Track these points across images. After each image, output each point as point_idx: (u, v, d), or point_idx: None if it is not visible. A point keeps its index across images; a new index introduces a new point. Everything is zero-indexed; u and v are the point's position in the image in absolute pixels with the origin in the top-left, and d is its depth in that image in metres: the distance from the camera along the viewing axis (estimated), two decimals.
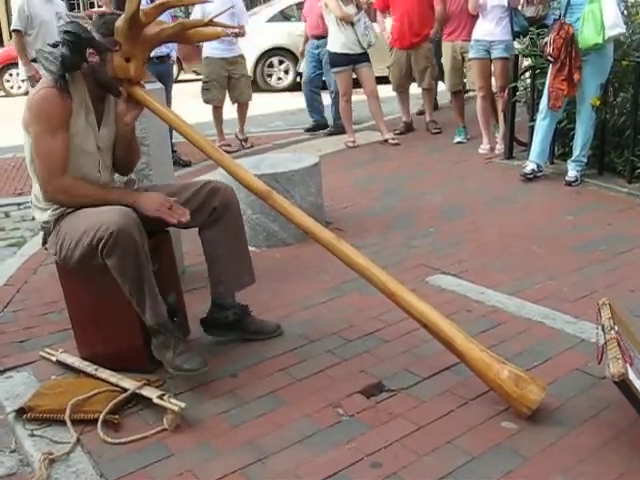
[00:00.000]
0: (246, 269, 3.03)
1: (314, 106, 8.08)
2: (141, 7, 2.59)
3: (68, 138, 2.66)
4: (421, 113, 8.07)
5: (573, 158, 5.24)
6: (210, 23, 2.84)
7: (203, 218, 2.88)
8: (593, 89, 5.03)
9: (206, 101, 7.16)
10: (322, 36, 7.52)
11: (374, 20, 7.41)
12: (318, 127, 8.00)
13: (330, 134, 7.75)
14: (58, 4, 6.38)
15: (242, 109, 7.37)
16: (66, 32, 2.63)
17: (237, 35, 6.83)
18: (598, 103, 5.02)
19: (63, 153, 2.64)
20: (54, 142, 2.62)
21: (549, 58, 5.03)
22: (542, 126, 5.28)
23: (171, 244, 3.06)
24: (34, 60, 5.74)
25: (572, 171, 5.22)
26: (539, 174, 5.37)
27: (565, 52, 4.90)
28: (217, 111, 7.20)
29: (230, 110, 7.48)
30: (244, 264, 3.01)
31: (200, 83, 7.32)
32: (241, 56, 7.15)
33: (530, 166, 5.36)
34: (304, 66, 8.26)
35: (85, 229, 2.57)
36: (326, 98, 8.07)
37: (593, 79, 5.00)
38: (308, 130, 8.03)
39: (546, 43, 5.00)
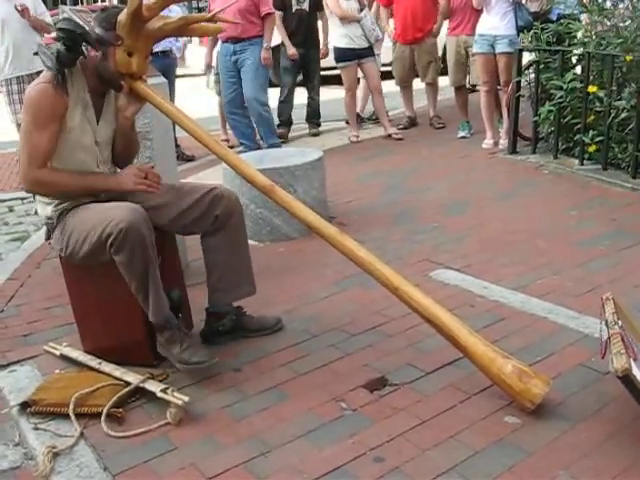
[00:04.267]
0: (246, 278, 3.00)
1: (242, 131, 6.57)
2: (144, 1, 2.59)
3: (58, 134, 2.66)
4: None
5: None
6: (213, 18, 2.84)
7: (205, 225, 2.87)
8: None
9: (217, 93, 7.19)
10: (241, 39, 6.17)
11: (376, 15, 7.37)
12: None
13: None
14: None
15: None
16: (60, 29, 2.62)
17: None
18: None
19: (46, 148, 2.64)
20: (41, 137, 2.62)
21: None
22: None
23: (174, 239, 3.06)
24: None
25: None
26: None
27: None
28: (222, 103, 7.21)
29: None
30: (245, 273, 2.99)
31: (204, 78, 7.35)
32: None
33: None
34: (213, 82, 6.89)
35: (93, 225, 2.58)
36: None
37: None
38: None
39: None
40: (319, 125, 7.72)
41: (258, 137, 6.72)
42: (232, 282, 2.96)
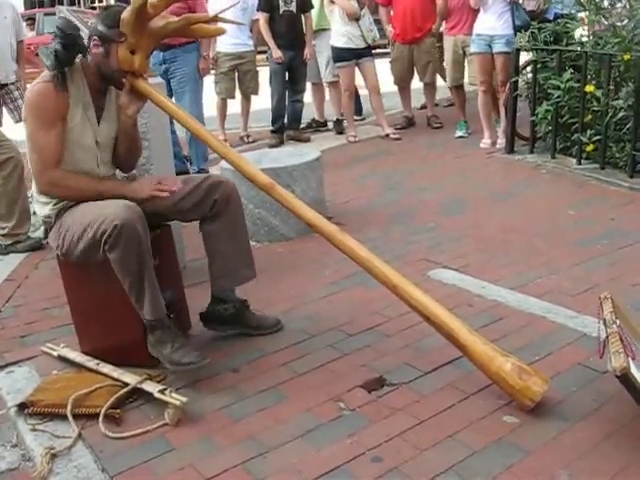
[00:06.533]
0: (247, 263, 3.01)
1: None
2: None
3: (63, 133, 2.67)
4: (423, 107, 8.01)
5: None
6: (215, 19, 2.83)
7: (204, 211, 2.88)
8: None
9: (217, 93, 7.16)
10: (171, 45, 5.51)
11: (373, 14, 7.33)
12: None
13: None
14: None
15: (247, 103, 7.38)
16: (56, 27, 2.63)
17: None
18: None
19: (56, 148, 2.65)
20: (48, 137, 2.63)
21: None
22: None
23: (172, 239, 3.06)
24: None
25: None
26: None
27: None
28: (222, 103, 7.19)
29: (235, 105, 7.48)
30: (245, 258, 3.00)
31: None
32: (250, 51, 7.08)
33: None
34: None
35: (89, 222, 2.57)
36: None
37: None
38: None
39: None
40: (298, 130, 7.40)
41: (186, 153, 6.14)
42: (233, 267, 2.96)
